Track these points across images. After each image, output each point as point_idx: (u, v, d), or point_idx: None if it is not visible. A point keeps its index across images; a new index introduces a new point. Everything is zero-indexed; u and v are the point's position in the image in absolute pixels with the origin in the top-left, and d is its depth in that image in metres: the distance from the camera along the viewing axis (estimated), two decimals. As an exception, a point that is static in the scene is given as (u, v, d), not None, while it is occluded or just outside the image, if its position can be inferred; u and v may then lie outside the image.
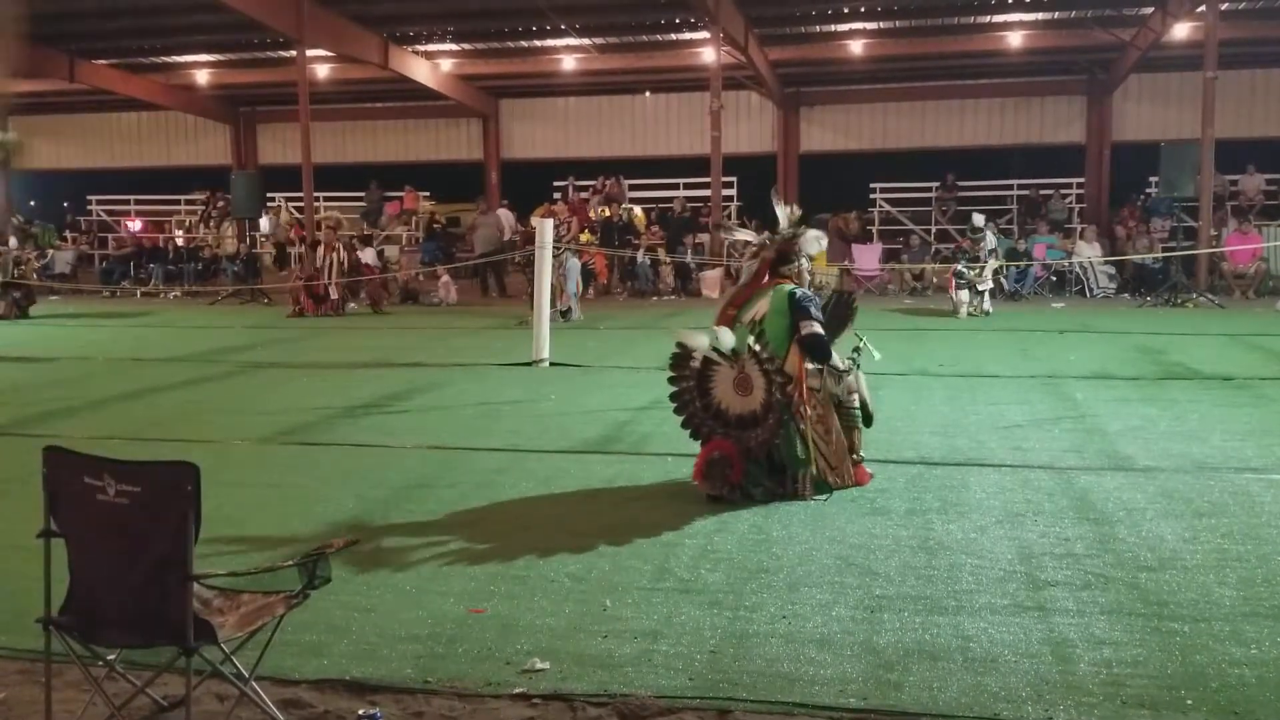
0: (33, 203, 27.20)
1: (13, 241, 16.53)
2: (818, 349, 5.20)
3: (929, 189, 21.59)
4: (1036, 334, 11.90)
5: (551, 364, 9.81)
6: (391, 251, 20.99)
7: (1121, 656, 3.32)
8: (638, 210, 21.17)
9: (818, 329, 5.19)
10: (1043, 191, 20.98)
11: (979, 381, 8.66)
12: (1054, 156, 22.06)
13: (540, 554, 4.36)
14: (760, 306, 5.30)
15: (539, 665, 3.30)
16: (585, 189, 22.13)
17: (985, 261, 14.02)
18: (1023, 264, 16.75)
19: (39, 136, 26.27)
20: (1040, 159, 22.11)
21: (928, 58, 20.30)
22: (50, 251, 21.31)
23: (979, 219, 14.61)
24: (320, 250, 15.70)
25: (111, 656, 2.92)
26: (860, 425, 5.45)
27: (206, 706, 3.06)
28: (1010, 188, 21.28)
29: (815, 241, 5.59)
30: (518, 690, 3.15)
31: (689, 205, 19.81)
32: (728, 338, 5.19)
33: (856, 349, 5.52)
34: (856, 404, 5.44)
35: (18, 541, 4.28)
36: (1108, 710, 2.98)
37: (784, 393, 5.09)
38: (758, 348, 5.12)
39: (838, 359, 5.33)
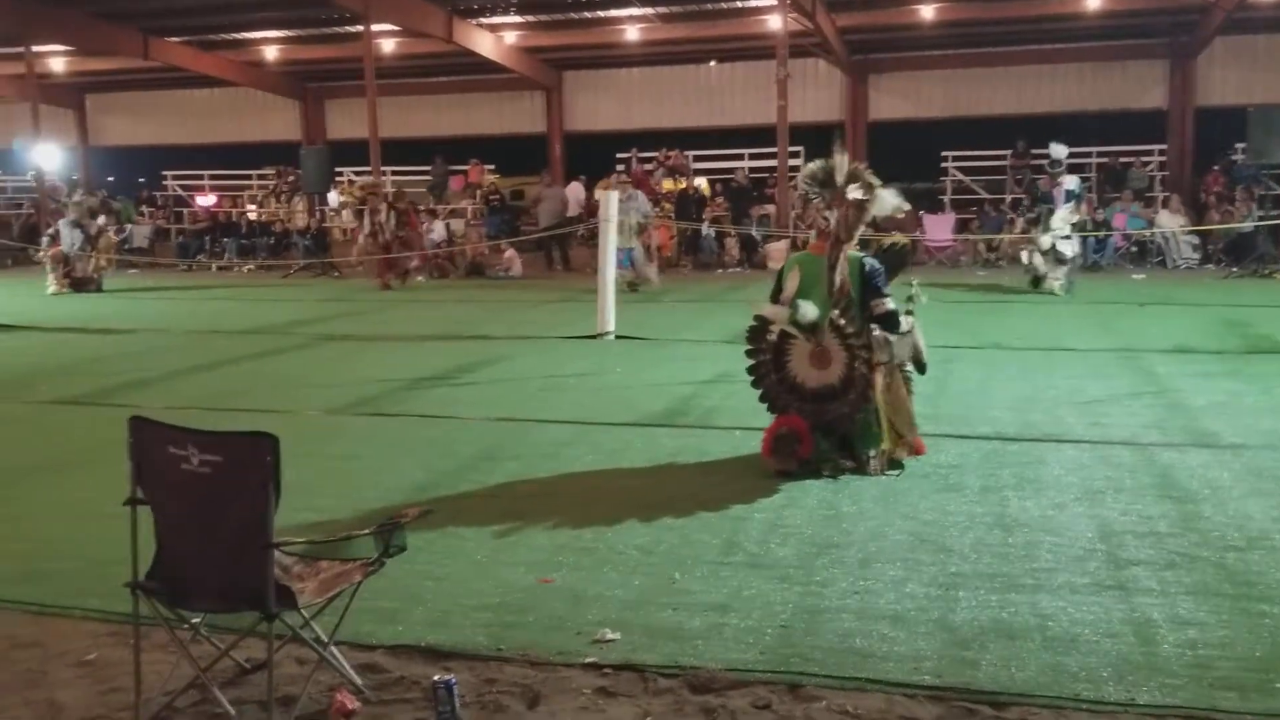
0: (111, 178, 27.98)
1: (101, 218, 17.02)
2: (890, 323, 5.15)
3: (1003, 157, 21.03)
4: (1116, 306, 11.56)
5: (617, 337, 9.82)
6: (457, 225, 21.17)
7: (1207, 638, 3.22)
8: (701, 182, 21.00)
9: (890, 305, 5.15)
10: (1123, 159, 20.29)
11: (1056, 355, 8.45)
12: (1134, 122, 21.29)
13: (607, 526, 4.37)
14: (840, 275, 5.11)
15: (609, 636, 3.31)
16: (649, 161, 22.01)
17: (1063, 207, 12.60)
18: (1102, 234, 16.23)
19: (116, 113, 27.00)
20: (1120, 125, 21.34)
21: (1001, 22, 19.70)
22: (129, 226, 21.91)
23: (1059, 150, 13.00)
24: (366, 215, 15.89)
25: (196, 620, 3.01)
26: (913, 389, 5.38)
27: (287, 670, 3.13)
28: (1089, 155, 20.59)
29: (888, 203, 5.36)
30: (589, 660, 3.17)
31: (750, 176, 19.56)
32: (810, 311, 5.11)
33: (910, 298, 5.43)
34: (911, 368, 5.35)
35: (105, 510, 4.41)
36: (1193, 692, 2.90)
37: (869, 366, 5.02)
38: (841, 321, 5.05)
39: (904, 322, 5.24)
